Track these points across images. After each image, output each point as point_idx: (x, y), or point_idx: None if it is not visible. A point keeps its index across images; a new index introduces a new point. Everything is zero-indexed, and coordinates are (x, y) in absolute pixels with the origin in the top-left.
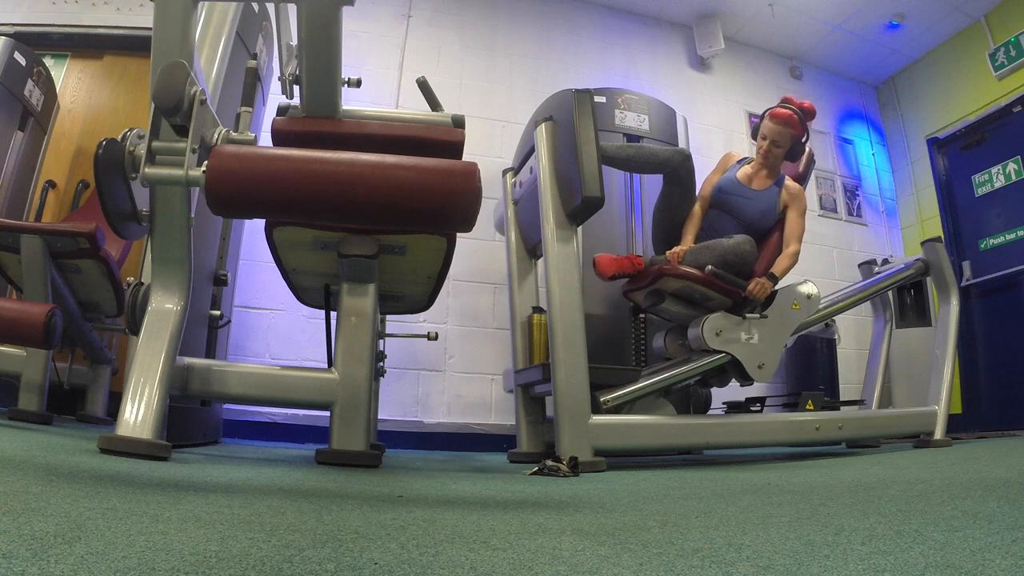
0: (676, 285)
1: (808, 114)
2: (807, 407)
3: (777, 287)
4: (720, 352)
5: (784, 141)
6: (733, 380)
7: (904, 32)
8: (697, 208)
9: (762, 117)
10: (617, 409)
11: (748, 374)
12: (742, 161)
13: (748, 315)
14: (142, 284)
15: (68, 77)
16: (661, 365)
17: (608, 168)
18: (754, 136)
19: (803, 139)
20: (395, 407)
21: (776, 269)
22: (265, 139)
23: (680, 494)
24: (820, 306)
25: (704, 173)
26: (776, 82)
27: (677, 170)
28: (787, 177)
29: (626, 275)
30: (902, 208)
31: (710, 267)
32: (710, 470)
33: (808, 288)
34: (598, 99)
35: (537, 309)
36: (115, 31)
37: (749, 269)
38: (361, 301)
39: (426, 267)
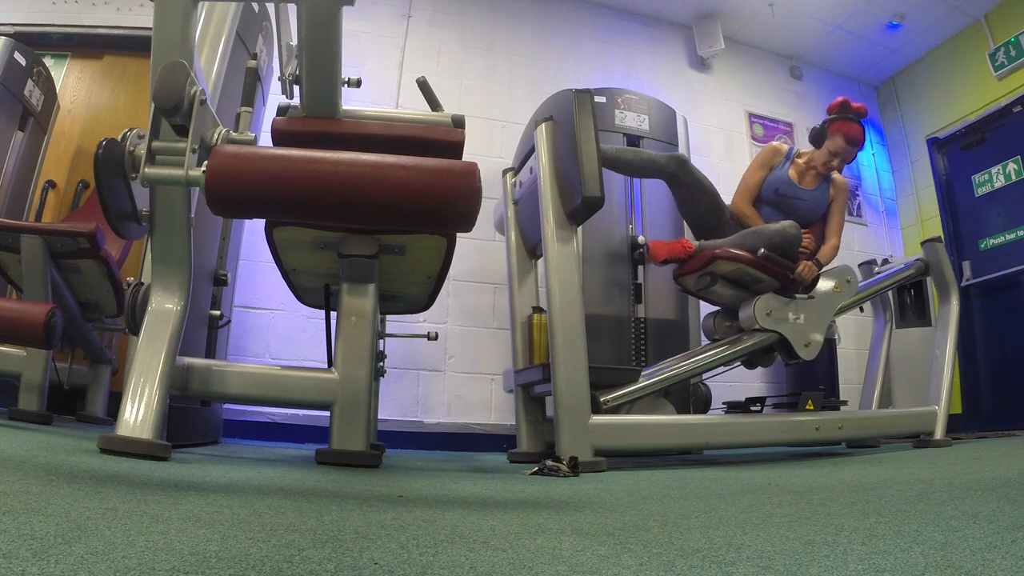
0: (729, 268)
1: (863, 114)
2: (807, 407)
3: (820, 271)
4: (770, 331)
5: (851, 157)
6: (775, 361)
7: (904, 32)
8: (746, 199)
9: (827, 125)
10: (617, 409)
11: (795, 352)
12: (790, 154)
13: (798, 296)
14: (142, 284)
15: (68, 77)
16: (706, 345)
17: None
18: (814, 142)
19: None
20: (395, 407)
21: (820, 256)
22: (265, 139)
23: (680, 494)
24: None
25: (705, 174)
26: (776, 82)
27: (676, 174)
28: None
29: (678, 259)
30: (902, 208)
31: (763, 250)
32: (710, 470)
33: (848, 273)
34: (598, 99)
35: (537, 309)
36: (115, 31)
37: (794, 252)
38: (361, 301)
39: (426, 267)
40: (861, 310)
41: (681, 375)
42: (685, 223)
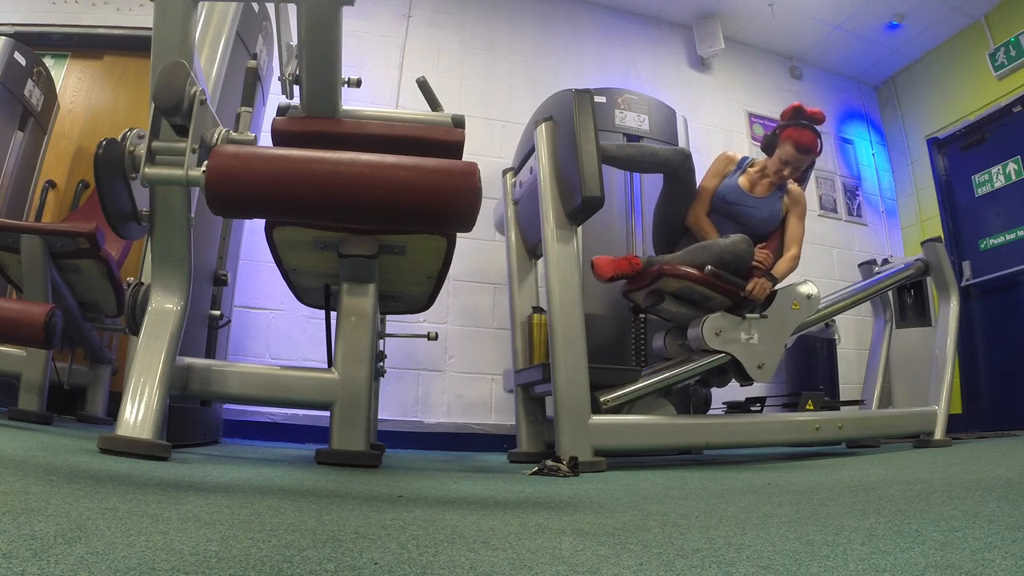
0: (676, 285)
1: (818, 120)
2: (807, 407)
3: (777, 287)
4: (720, 352)
5: (804, 165)
6: (733, 380)
7: (904, 32)
8: (701, 210)
9: (778, 132)
10: (617, 409)
11: (748, 374)
12: (742, 163)
13: (748, 315)
14: (142, 284)
15: (68, 77)
16: (661, 365)
17: (608, 168)
18: (766, 151)
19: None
20: (395, 407)
21: (776, 271)
22: (265, 139)
23: (680, 494)
24: (820, 306)
25: (704, 173)
26: (776, 82)
27: (677, 169)
28: (788, 180)
29: (625, 276)
30: (902, 208)
31: (710, 267)
32: (710, 470)
33: (808, 288)
34: (598, 99)
35: (537, 309)
36: (115, 31)
37: (746, 268)
38: (361, 301)
39: (426, 267)
40: (827, 326)
41: (673, 379)
42: (653, 224)
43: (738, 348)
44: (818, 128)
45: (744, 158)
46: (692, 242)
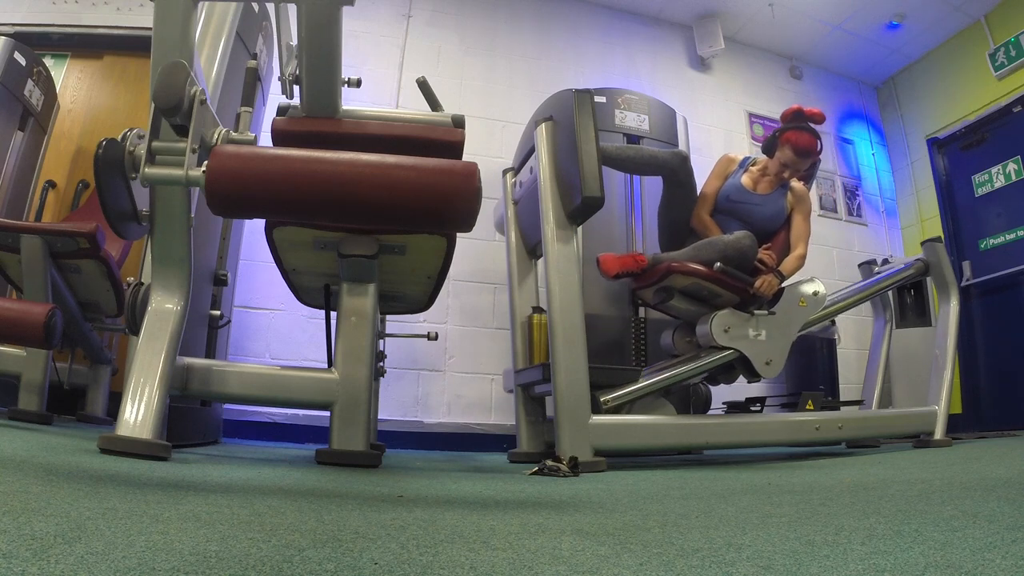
0: (685, 282)
1: (817, 120)
2: (807, 407)
3: (784, 284)
4: (728, 349)
5: (803, 167)
6: (732, 379)
7: (904, 32)
8: (704, 212)
9: (777, 135)
10: (617, 409)
11: (756, 370)
12: (744, 163)
13: (756, 312)
14: (142, 284)
15: (68, 77)
16: (667, 363)
17: (608, 168)
18: (767, 152)
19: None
20: (395, 407)
21: (783, 269)
22: (265, 139)
23: (680, 494)
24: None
25: (704, 173)
26: (776, 82)
27: (676, 172)
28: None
29: (631, 273)
30: (902, 208)
31: (719, 264)
32: (710, 470)
33: (815, 286)
34: (598, 99)
35: (537, 309)
36: (115, 31)
37: (750, 264)
38: (361, 301)
39: (426, 267)
40: (832, 323)
41: (682, 375)
42: (658, 226)
43: (746, 344)
44: (818, 128)
45: (746, 158)
46: (697, 241)
